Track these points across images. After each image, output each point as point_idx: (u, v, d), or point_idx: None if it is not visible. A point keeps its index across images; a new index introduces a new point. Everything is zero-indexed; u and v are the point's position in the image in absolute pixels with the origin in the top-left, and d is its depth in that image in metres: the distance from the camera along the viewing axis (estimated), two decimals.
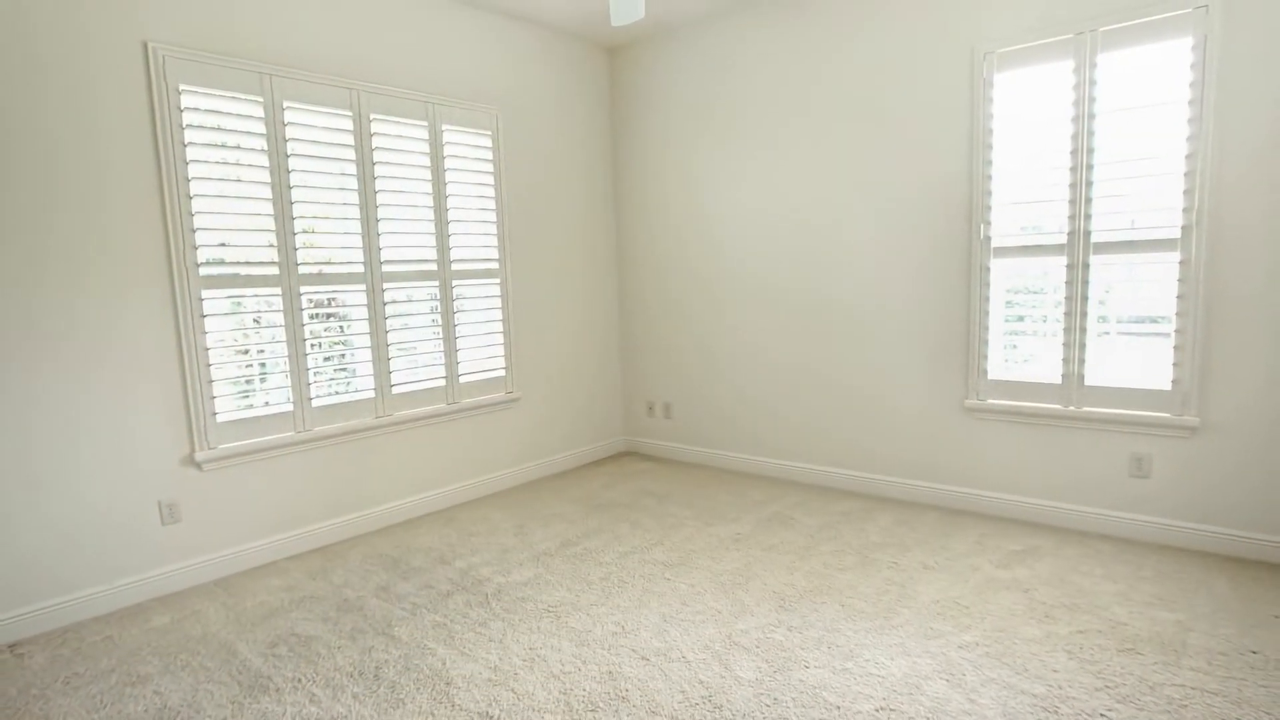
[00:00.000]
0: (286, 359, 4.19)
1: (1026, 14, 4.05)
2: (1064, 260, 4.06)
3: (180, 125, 3.72)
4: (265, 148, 4.03)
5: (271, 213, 4.06)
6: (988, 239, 4.32)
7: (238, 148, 3.95)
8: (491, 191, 5.22)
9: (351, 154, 4.40)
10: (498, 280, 5.29)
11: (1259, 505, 3.68)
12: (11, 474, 3.33)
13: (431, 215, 4.84)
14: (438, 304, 4.92)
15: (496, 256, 5.28)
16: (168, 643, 3.30)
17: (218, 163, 3.88)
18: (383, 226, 4.57)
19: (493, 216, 5.23)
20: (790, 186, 5.14)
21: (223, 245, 3.93)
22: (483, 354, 5.25)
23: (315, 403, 4.33)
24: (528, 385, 5.59)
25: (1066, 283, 4.06)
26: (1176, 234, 3.74)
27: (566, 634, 3.22)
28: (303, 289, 4.22)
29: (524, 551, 4.20)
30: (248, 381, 4.12)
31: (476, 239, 5.16)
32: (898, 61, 4.56)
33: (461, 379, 5.10)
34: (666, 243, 5.93)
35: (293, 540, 4.30)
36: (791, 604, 3.43)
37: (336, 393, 4.47)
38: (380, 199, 4.55)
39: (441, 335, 4.96)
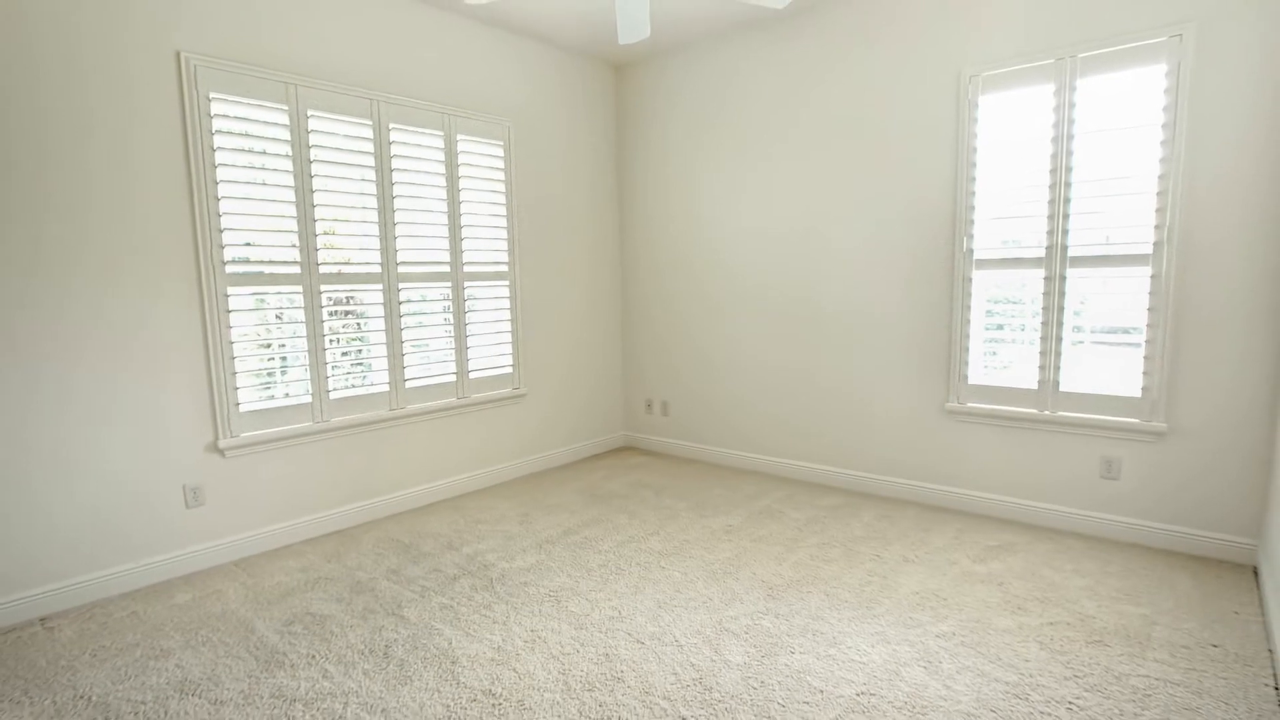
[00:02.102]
0: (306, 353, 4.19)
1: (1010, 39, 4.05)
2: (1042, 273, 4.05)
3: (210, 131, 3.72)
4: (289, 153, 4.02)
5: (294, 215, 4.06)
6: (970, 251, 4.31)
7: (264, 153, 3.94)
8: (503, 199, 5.22)
9: (371, 161, 4.40)
10: (507, 282, 5.29)
11: (1221, 507, 3.68)
12: (47, 457, 3.33)
13: (445, 220, 4.83)
14: (450, 304, 4.91)
15: (506, 260, 5.28)
16: (189, 619, 3.30)
17: (244, 167, 3.88)
18: (399, 229, 4.56)
19: (503, 222, 5.23)
20: (784, 200, 5.14)
21: (248, 245, 3.93)
22: (492, 352, 5.24)
23: (333, 395, 4.33)
24: (534, 382, 5.59)
25: (1044, 294, 4.05)
26: (1149, 250, 3.73)
27: (566, 617, 3.22)
28: (323, 287, 4.22)
29: (527, 539, 4.20)
30: (269, 374, 4.11)
31: (488, 243, 5.15)
32: (888, 82, 4.56)
33: (471, 375, 5.10)
34: (667, 250, 5.93)
35: (309, 524, 4.30)
36: (779, 593, 3.43)
37: (353, 386, 4.46)
38: (397, 203, 4.55)
39: (453, 333, 4.96)
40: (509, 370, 5.37)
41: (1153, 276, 3.73)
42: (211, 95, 3.72)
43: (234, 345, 3.88)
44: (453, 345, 4.96)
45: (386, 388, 4.59)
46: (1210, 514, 3.72)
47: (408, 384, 4.71)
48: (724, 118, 5.41)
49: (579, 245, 5.88)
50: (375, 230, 4.45)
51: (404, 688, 2.70)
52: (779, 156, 5.14)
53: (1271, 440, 3.52)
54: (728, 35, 5.30)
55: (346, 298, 4.39)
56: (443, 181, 4.81)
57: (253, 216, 3.92)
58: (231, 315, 3.86)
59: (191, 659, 2.95)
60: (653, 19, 4.94)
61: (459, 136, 4.87)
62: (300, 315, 4.14)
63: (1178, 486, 3.79)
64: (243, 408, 3.95)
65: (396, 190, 4.54)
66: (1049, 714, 2.46)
